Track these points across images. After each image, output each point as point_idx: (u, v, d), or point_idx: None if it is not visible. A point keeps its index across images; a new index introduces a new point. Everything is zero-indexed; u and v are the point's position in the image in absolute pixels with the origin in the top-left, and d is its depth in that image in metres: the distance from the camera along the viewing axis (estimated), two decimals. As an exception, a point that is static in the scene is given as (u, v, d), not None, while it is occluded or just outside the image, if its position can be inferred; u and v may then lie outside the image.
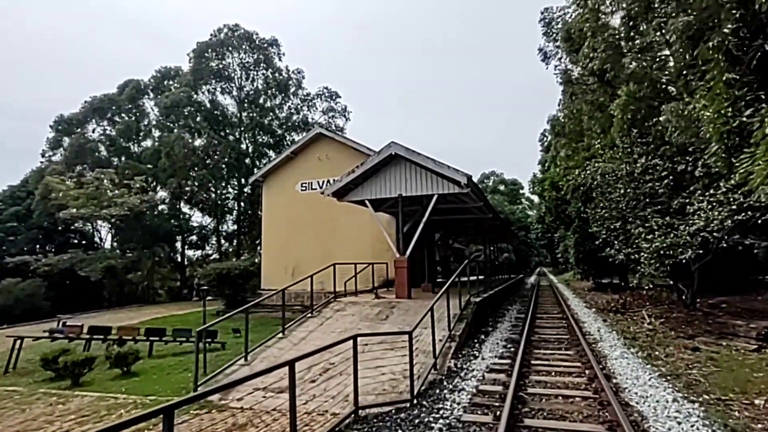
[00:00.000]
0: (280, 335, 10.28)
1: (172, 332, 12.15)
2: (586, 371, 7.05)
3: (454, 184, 12.44)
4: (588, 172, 14.12)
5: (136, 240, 38.40)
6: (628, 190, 12.89)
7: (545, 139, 51.60)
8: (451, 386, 6.75)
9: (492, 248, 33.61)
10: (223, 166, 40.06)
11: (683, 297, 13.68)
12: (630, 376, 6.80)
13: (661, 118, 13.65)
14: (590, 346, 9.13)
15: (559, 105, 37.33)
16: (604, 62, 16.51)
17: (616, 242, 13.07)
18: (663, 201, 12.36)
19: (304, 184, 21.12)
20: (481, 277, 18.52)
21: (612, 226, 13.51)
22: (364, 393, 6.31)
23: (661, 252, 10.63)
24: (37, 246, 39.80)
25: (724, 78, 8.60)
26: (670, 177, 12.41)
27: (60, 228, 38.05)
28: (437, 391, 6.56)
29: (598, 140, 21.83)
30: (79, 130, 42.94)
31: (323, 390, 7.08)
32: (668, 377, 6.69)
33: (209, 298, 32.08)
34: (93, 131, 44.29)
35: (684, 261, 10.93)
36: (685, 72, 15.25)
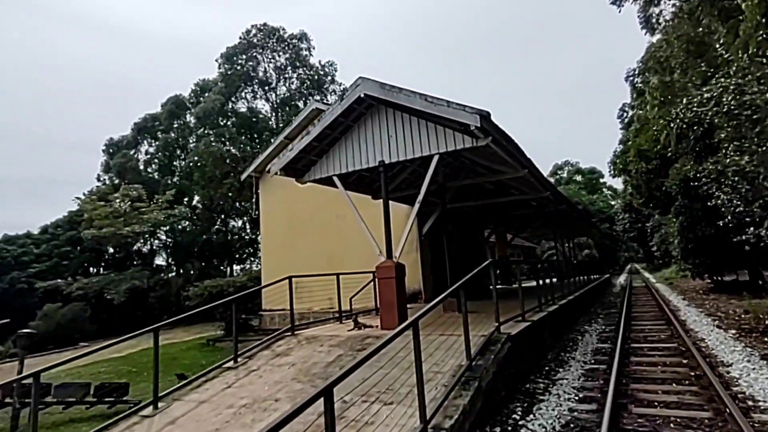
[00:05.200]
0: (150, 409, 5.82)
1: (54, 390, 8.21)
2: None
3: (462, 134, 7.34)
4: (712, 93, 8.04)
5: (172, 257, 36.76)
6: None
7: (625, 114, 43.48)
8: None
9: (567, 244, 26.94)
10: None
11: None
12: None
13: None
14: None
15: (641, 59, 30.15)
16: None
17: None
18: None
19: (303, 176, 16.79)
20: (554, 279, 13.08)
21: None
22: None
23: None
24: (92, 269, 39.78)
25: None
26: None
27: (118, 250, 37.11)
28: None
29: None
30: (132, 152, 43.05)
31: None
32: None
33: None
34: (145, 152, 44.22)
35: None
36: None
